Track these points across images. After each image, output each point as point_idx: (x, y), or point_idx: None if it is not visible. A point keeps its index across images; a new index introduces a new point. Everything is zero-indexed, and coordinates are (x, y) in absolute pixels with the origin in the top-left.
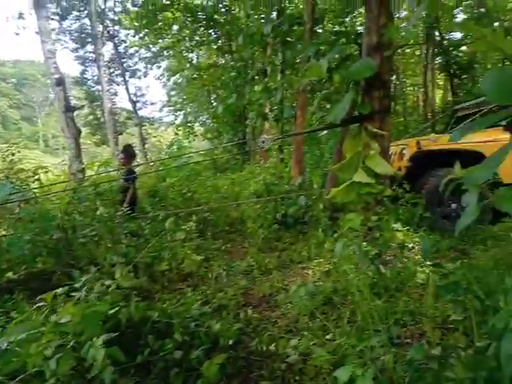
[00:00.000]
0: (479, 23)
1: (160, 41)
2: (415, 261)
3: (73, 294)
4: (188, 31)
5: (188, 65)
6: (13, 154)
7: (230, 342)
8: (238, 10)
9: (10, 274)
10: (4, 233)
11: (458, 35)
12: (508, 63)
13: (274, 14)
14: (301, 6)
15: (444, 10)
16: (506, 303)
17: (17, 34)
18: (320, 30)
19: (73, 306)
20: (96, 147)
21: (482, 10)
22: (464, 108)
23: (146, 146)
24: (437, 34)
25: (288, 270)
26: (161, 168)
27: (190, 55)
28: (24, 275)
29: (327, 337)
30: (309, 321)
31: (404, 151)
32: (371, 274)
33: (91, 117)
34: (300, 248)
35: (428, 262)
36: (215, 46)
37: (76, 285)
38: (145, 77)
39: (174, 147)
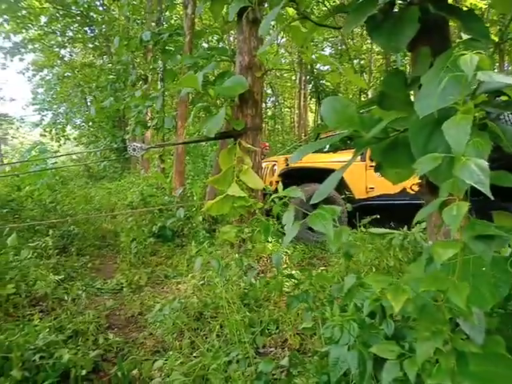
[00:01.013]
0: (342, 58)
1: (23, 31)
2: (283, 271)
3: None
4: (59, 25)
5: (59, 61)
6: None
7: (84, 372)
8: (116, 10)
9: None
10: None
11: (326, 66)
12: (363, 94)
13: (153, 22)
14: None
15: (307, 42)
16: (332, 314)
17: None
18: (205, 44)
19: None
20: None
21: (344, 47)
22: (324, 131)
23: (4, 147)
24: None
25: (161, 287)
26: (15, 174)
27: (63, 51)
28: None
29: (194, 354)
30: (176, 339)
31: (275, 167)
32: (243, 285)
33: None
34: (176, 262)
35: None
36: (91, 45)
37: None
38: (4, 69)
39: (36, 150)
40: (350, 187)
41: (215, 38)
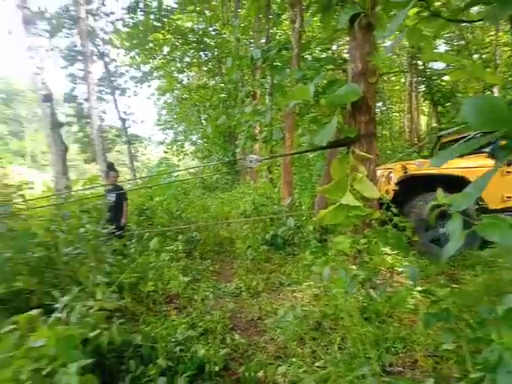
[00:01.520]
0: (459, 55)
1: (150, 61)
2: (405, 286)
3: (53, 315)
4: (179, 53)
5: (178, 85)
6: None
7: (217, 369)
8: (227, 33)
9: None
10: None
11: (440, 65)
12: (488, 92)
13: (263, 39)
14: (289, 33)
15: (425, 40)
16: (499, 335)
17: (6, 49)
18: (308, 56)
19: (48, 328)
20: (85, 164)
21: (462, 42)
22: (447, 134)
23: (135, 163)
24: (420, 63)
25: (277, 293)
26: (148, 185)
27: (181, 76)
28: (3, 294)
29: (317, 364)
30: (298, 347)
31: (391, 175)
32: (361, 298)
33: (81, 134)
34: (289, 270)
35: (418, 288)
36: (205, 68)
37: (56, 305)
38: (135, 95)
39: (163, 165)
40: (481, 196)
41: (318, 49)
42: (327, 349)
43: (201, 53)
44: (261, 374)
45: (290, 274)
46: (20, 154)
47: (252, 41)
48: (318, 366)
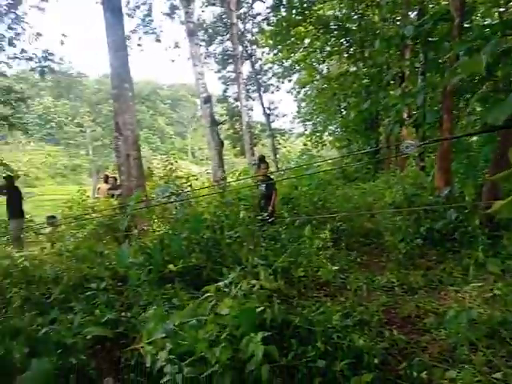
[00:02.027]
0: None
1: (292, 55)
2: None
3: (224, 289)
4: (319, 43)
5: (318, 76)
6: (171, 164)
7: (376, 361)
8: (372, 15)
9: (171, 266)
10: (162, 231)
11: None
12: None
13: (413, 14)
14: (444, 2)
15: None
16: None
17: (172, 60)
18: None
19: (230, 300)
20: (234, 158)
21: None
22: None
23: (277, 156)
24: None
25: (437, 292)
26: (292, 176)
27: (320, 66)
28: (181, 268)
29: (495, 375)
30: (469, 353)
31: None
32: None
33: (231, 131)
34: (450, 268)
35: None
36: (346, 55)
37: (225, 281)
38: (277, 91)
39: (304, 156)
40: None
41: (480, 16)
42: (507, 360)
43: (342, 39)
44: (424, 374)
45: (452, 273)
46: (183, 151)
47: (399, 19)
48: (496, 378)
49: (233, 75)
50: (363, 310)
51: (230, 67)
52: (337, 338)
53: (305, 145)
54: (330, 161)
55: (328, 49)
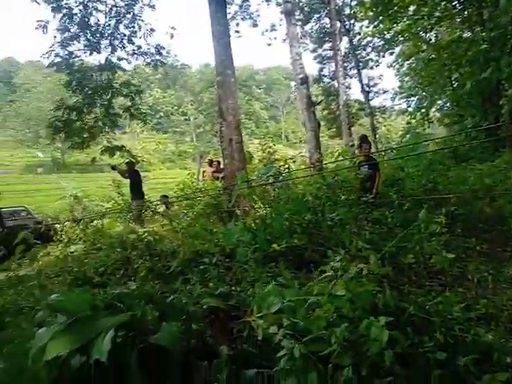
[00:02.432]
0: None
1: (394, 26)
2: None
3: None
4: (426, 8)
5: (425, 46)
6: (270, 147)
7: (508, 360)
8: None
9: (275, 246)
10: (264, 211)
11: None
12: None
13: None
14: None
15: None
16: None
17: (269, 44)
18: None
19: (347, 282)
20: (329, 140)
21: None
22: None
23: (377, 135)
24: None
25: None
26: (397, 157)
27: (428, 35)
28: (284, 248)
29: None
30: None
31: None
32: None
33: (326, 111)
34: None
35: None
36: (459, 19)
37: (333, 263)
38: (376, 66)
39: (408, 136)
40: None
41: None
42: None
43: (455, 2)
44: None
45: None
46: (277, 134)
47: None
48: None
49: (329, 53)
50: (488, 304)
51: (327, 45)
52: (458, 331)
53: (408, 123)
54: (438, 140)
55: (437, 14)
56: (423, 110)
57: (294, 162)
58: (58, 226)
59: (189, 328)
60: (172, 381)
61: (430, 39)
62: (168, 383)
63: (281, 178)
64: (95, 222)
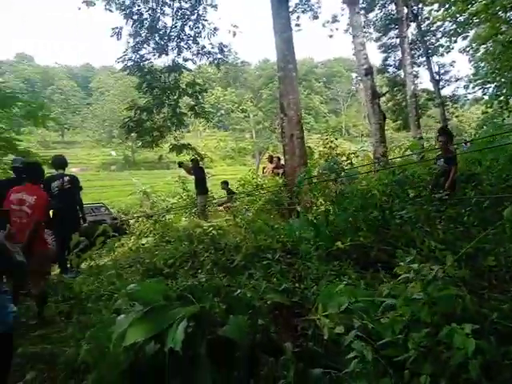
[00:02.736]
0: None
1: (468, 7)
2: None
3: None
4: None
5: (504, 27)
6: (331, 142)
7: None
8: None
9: (338, 243)
10: (325, 207)
11: None
12: None
13: None
14: None
15: None
16: None
17: (330, 36)
18: None
19: (424, 284)
20: (393, 133)
21: None
22: None
23: (448, 127)
24: None
25: None
26: (472, 150)
27: (508, 14)
28: (348, 246)
29: None
30: None
31: None
32: None
33: (391, 103)
34: None
35: None
36: None
37: (403, 264)
38: (447, 52)
39: (485, 127)
40: None
41: None
42: None
43: None
44: None
45: None
46: (336, 129)
47: None
48: None
49: (395, 41)
50: None
51: (392, 33)
52: None
53: (484, 112)
54: None
55: None
56: (502, 98)
57: (357, 156)
58: (135, 218)
59: (255, 322)
60: (239, 373)
61: (510, 19)
62: (236, 375)
63: (343, 173)
64: (162, 216)
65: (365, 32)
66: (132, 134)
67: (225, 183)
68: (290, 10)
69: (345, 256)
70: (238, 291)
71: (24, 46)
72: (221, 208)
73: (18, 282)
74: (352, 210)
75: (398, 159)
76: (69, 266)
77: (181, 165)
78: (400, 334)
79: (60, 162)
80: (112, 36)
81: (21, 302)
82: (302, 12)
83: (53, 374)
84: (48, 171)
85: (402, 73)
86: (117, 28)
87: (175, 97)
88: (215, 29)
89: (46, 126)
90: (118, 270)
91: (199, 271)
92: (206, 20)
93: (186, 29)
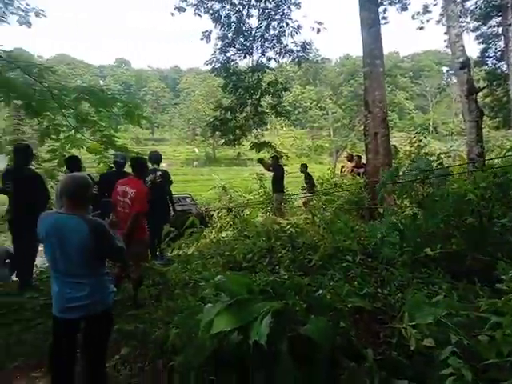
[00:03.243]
0: None
1: None
2: None
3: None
4: None
5: None
6: (419, 140)
7: None
8: None
9: (427, 250)
10: (411, 210)
11: None
12: None
13: None
14: None
15: None
16: None
17: (420, 28)
18: None
19: None
20: (490, 131)
21: None
22: None
23: None
24: None
25: None
26: None
27: None
28: (438, 253)
29: None
30: None
31: None
32: None
33: (488, 98)
34: None
35: None
36: None
37: (503, 277)
38: None
39: None
40: None
41: None
42: None
43: None
44: None
45: None
46: (423, 126)
47: None
48: None
49: (496, 30)
50: None
51: (494, 21)
52: None
53: None
54: None
55: None
56: None
57: (449, 156)
58: (215, 212)
59: (336, 325)
60: (319, 374)
61: None
62: (316, 375)
63: (432, 174)
64: (240, 211)
65: (461, 22)
66: (216, 133)
67: (304, 166)
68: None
69: (433, 264)
70: (319, 292)
71: (122, 51)
72: (300, 203)
73: (121, 266)
74: (444, 214)
75: (497, 160)
76: (159, 253)
77: (260, 161)
78: (509, 357)
79: (156, 158)
80: (202, 39)
81: (119, 284)
82: (390, 4)
83: (144, 352)
84: None
85: (503, 65)
86: (206, 32)
87: (257, 96)
88: (298, 27)
89: (140, 125)
90: (202, 260)
91: (277, 267)
92: (289, 18)
93: (270, 29)
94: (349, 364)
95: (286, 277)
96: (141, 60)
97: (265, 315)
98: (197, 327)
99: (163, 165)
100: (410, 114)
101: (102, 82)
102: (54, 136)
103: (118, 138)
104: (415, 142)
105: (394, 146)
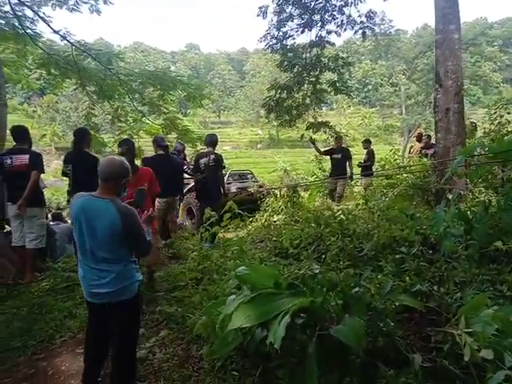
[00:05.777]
0: None
1: None
2: None
3: None
4: None
5: None
6: (501, 116)
7: None
8: None
9: (498, 243)
10: (486, 197)
11: None
12: None
13: None
14: None
15: None
16: None
17: None
18: None
19: None
20: None
21: None
22: None
23: None
24: None
25: None
26: None
27: None
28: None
29: None
30: None
31: None
32: None
33: None
34: None
35: None
36: None
37: None
38: None
39: None
40: None
41: None
42: None
43: None
44: None
45: None
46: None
47: None
48: None
49: None
50: None
51: None
52: None
53: None
54: None
55: None
56: None
57: None
58: (276, 190)
59: (375, 326)
60: (351, 380)
61: None
62: (347, 381)
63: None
64: (293, 195)
65: None
66: (273, 114)
67: (367, 142)
68: None
69: (505, 260)
70: (357, 289)
71: (192, 36)
72: (360, 186)
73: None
74: None
75: None
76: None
77: (312, 142)
78: None
79: (211, 140)
80: (258, 15)
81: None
82: None
83: (181, 336)
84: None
85: None
86: (263, 7)
87: (316, 73)
88: None
89: (202, 106)
90: (248, 244)
91: (323, 256)
92: None
93: None
94: (386, 372)
95: (318, 271)
96: (209, 44)
97: (285, 315)
98: (220, 319)
99: (225, 148)
100: (497, 87)
101: (173, 68)
102: (122, 119)
103: (181, 120)
104: (495, 119)
105: (474, 123)
